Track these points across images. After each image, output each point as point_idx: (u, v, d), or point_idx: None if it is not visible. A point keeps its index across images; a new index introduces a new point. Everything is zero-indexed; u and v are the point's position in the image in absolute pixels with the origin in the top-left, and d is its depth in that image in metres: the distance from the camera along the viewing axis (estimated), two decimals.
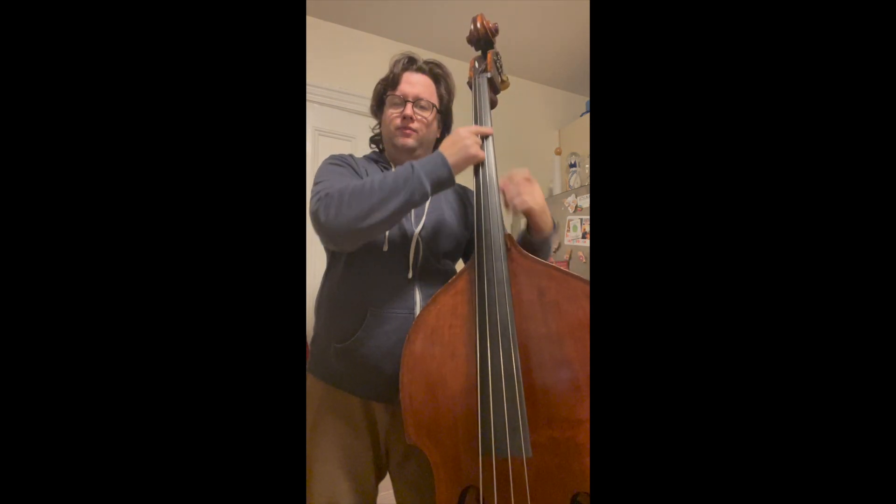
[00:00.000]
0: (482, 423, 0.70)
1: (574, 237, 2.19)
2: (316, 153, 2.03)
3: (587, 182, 2.32)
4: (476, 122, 0.90)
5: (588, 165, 2.39)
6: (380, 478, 0.93)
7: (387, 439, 0.90)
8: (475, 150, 0.81)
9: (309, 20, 2.08)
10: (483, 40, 0.99)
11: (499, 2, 2.03)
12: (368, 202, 0.76)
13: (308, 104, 2.02)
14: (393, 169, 0.97)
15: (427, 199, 0.81)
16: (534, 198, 0.85)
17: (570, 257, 2.19)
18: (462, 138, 0.81)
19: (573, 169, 2.49)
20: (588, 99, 2.74)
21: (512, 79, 2.59)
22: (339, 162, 0.95)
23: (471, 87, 0.96)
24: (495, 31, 0.98)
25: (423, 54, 0.99)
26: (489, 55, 0.97)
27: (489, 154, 0.86)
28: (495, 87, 0.99)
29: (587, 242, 2.11)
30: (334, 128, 2.09)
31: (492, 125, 0.89)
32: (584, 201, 2.15)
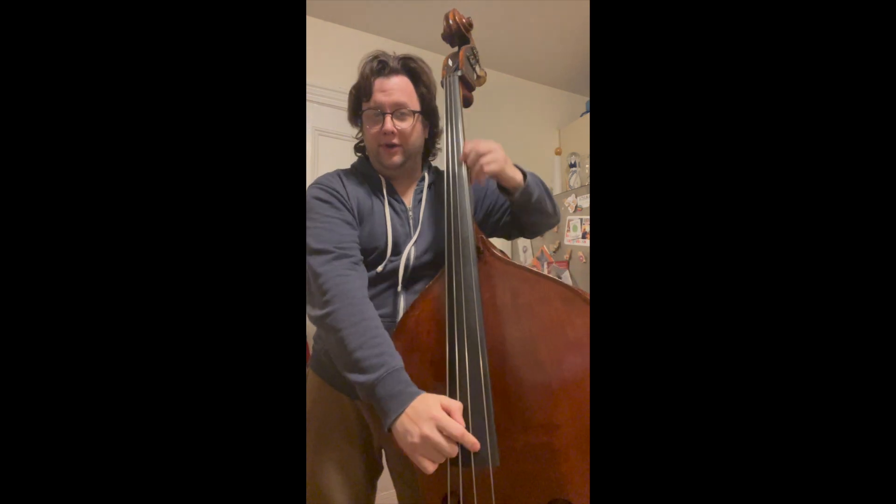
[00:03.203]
0: None
1: (574, 237, 2.19)
2: (316, 153, 2.04)
3: (587, 182, 2.33)
4: (449, 123, 0.87)
5: (588, 165, 2.39)
6: (373, 473, 0.94)
7: (380, 438, 0.91)
8: (420, 461, 0.63)
9: (309, 20, 2.08)
10: (457, 36, 0.95)
11: (499, 1, 2.03)
12: (335, 342, 0.73)
13: (308, 104, 2.02)
14: (385, 199, 0.91)
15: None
16: (493, 160, 0.82)
17: (570, 257, 2.19)
18: (417, 435, 0.62)
19: (573, 169, 2.49)
20: (588, 99, 2.74)
21: (512, 79, 2.62)
22: (328, 198, 0.86)
23: (443, 87, 0.93)
24: (469, 26, 0.95)
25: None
26: (461, 52, 0.93)
27: (459, 146, 0.84)
28: (469, 85, 0.96)
29: (587, 242, 2.11)
30: (334, 128, 2.09)
31: (463, 123, 0.87)
32: (584, 201, 2.15)
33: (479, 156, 0.82)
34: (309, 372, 0.96)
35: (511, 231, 1.02)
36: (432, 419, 0.62)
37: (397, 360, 0.70)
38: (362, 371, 0.68)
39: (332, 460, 0.89)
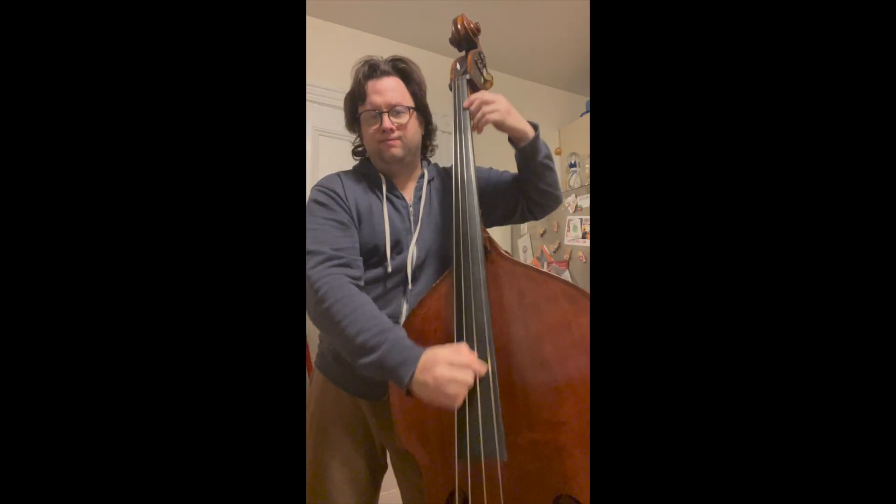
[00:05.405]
0: (458, 427, 0.70)
1: (574, 237, 2.19)
2: (316, 153, 2.03)
3: (587, 182, 2.33)
4: (455, 124, 0.88)
5: (588, 165, 2.39)
6: (376, 472, 0.94)
7: (380, 437, 0.92)
8: (445, 400, 0.67)
9: (309, 20, 2.08)
10: (465, 41, 0.98)
11: (500, 1, 2.03)
12: (336, 335, 0.75)
13: (308, 104, 2.02)
14: (384, 197, 0.92)
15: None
16: (495, 110, 0.86)
17: (570, 257, 2.19)
18: (432, 380, 0.66)
19: (573, 169, 2.49)
20: (588, 99, 2.74)
21: (512, 79, 2.62)
22: (325, 200, 0.88)
23: (451, 90, 0.95)
24: (477, 31, 0.98)
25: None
26: (469, 56, 0.96)
27: (468, 150, 0.85)
28: (476, 88, 0.99)
29: (587, 242, 2.11)
30: (334, 128, 2.09)
31: (472, 127, 0.89)
32: (584, 201, 2.15)
33: (483, 103, 0.87)
34: (315, 371, 0.97)
35: (517, 209, 1.03)
36: (441, 361, 0.67)
37: (397, 332, 0.73)
38: (368, 352, 0.71)
39: (336, 459, 0.90)
